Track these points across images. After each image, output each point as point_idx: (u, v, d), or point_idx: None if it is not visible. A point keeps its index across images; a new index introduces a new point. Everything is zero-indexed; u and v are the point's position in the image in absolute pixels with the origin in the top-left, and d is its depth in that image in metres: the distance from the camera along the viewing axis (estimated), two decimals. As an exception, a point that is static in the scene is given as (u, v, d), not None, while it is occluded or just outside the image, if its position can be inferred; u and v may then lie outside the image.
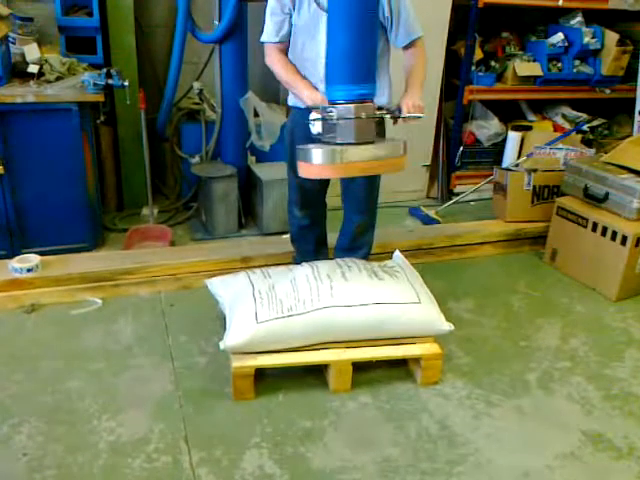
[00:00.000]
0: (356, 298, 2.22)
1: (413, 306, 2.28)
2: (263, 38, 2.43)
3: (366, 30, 2.02)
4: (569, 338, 2.75)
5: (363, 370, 2.34)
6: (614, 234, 3.04)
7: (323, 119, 2.08)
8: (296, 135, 2.48)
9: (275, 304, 2.19)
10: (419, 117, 2.21)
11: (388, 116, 2.20)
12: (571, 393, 2.38)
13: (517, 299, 3.06)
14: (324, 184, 2.60)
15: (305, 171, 2.08)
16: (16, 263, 2.68)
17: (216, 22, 3.30)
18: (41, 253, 2.81)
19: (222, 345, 2.14)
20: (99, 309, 2.71)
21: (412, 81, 2.35)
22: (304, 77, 2.33)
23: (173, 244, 3.30)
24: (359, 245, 2.68)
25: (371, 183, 2.50)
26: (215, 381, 2.30)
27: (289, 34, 2.37)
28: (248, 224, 3.59)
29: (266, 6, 2.38)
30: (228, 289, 2.42)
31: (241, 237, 3.48)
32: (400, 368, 2.42)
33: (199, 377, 2.32)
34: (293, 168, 2.49)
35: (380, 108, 2.18)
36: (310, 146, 2.07)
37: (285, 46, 2.41)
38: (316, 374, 2.33)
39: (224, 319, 2.35)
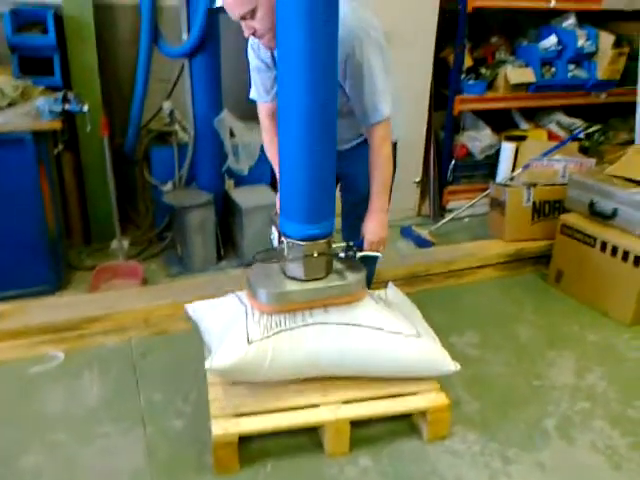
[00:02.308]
0: (351, 317, 2.00)
1: (412, 339, 2.03)
2: (251, 95, 2.15)
3: (323, 160, 1.80)
4: (585, 373, 2.51)
5: (361, 426, 2.07)
6: (625, 254, 2.80)
7: (278, 240, 1.98)
8: None
9: (265, 320, 1.96)
10: (379, 257, 2.13)
11: (343, 254, 2.03)
12: (595, 441, 2.13)
13: (524, 329, 2.81)
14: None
15: (251, 302, 2.00)
16: (-35, 316, 2.38)
17: (185, 37, 3.02)
18: (-5, 300, 2.51)
19: (208, 365, 1.89)
20: (61, 364, 2.41)
21: (372, 197, 2.06)
22: None
23: (145, 281, 3.00)
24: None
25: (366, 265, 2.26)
26: (193, 448, 2.01)
27: None
28: (228, 255, 3.31)
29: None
30: (214, 312, 2.16)
31: (220, 270, 3.20)
32: (403, 421, 2.15)
33: (175, 445, 2.03)
34: None
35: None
36: (254, 278, 1.98)
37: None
38: (309, 433, 2.05)
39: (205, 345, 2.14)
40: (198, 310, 2.22)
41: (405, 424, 2.15)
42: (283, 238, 1.92)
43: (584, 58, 3.98)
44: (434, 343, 2.11)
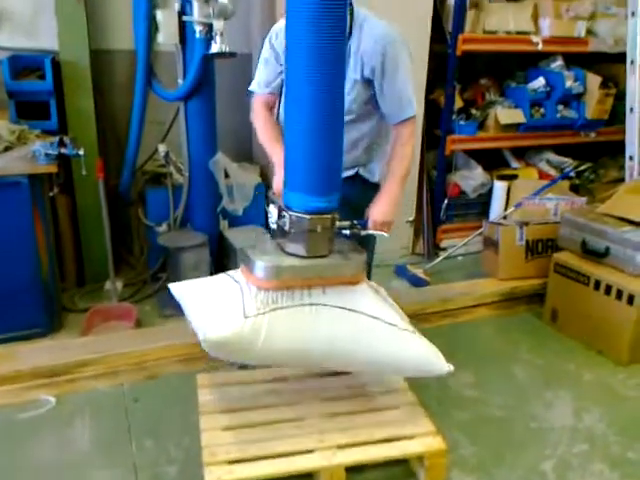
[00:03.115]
0: (349, 302, 1.90)
1: (407, 334, 1.94)
2: (252, 86, 2.21)
3: (331, 131, 1.74)
4: (582, 414, 2.48)
5: (357, 471, 2.03)
6: (619, 292, 2.81)
7: (278, 216, 1.87)
8: None
9: (262, 295, 1.85)
10: (385, 236, 2.06)
11: (347, 232, 1.95)
12: (595, 485, 2.10)
13: (520, 369, 2.79)
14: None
15: (246, 277, 1.89)
16: (-45, 361, 2.35)
17: (180, 81, 3.08)
18: (-13, 344, 2.48)
19: (201, 336, 1.76)
20: (52, 409, 2.37)
21: (388, 181, 2.09)
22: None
23: (139, 323, 2.98)
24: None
25: (365, 249, 2.25)
26: (186, 497, 1.97)
27: (281, 87, 2.13)
28: (222, 295, 3.29)
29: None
30: (203, 291, 2.03)
31: (215, 310, 3.17)
32: (400, 466, 2.11)
33: (167, 493, 2.00)
34: None
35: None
36: (251, 252, 1.87)
37: (275, 98, 2.18)
38: (304, 478, 2.01)
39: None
40: (185, 289, 2.07)
41: (402, 469, 2.11)
42: (285, 212, 1.82)
43: (572, 99, 4.06)
44: (428, 343, 2.01)
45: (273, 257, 1.84)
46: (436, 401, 2.47)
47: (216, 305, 1.87)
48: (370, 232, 2.01)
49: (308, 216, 1.79)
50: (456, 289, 3.27)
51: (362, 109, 2.10)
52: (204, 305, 1.93)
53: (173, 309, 3.13)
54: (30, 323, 2.79)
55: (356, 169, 2.20)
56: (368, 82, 2.04)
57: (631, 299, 2.75)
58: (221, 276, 2.05)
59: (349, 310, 1.89)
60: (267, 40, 2.14)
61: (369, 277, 2.42)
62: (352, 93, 2.04)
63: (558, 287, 3.11)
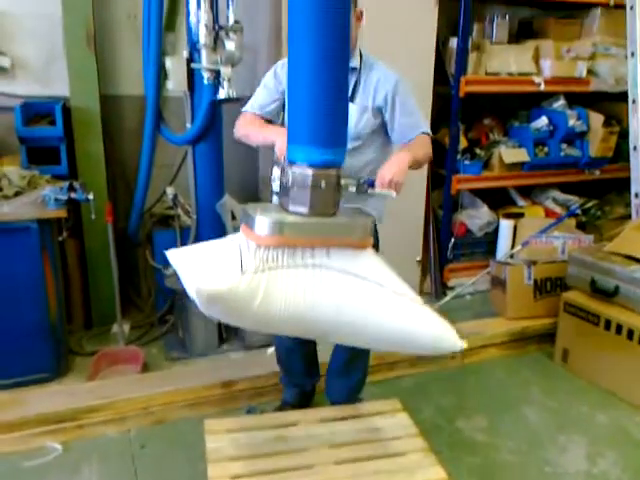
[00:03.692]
0: (355, 267, 1.73)
1: (417, 306, 1.77)
2: (245, 107, 2.26)
3: (337, 78, 1.64)
4: (597, 458, 2.43)
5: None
6: (630, 332, 2.78)
7: (281, 175, 1.77)
8: None
9: (261, 253, 1.68)
10: (392, 196, 1.91)
11: (353, 189, 1.86)
12: (612, 535, 2.04)
13: (533, 411, 2.75)
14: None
15: (246, 234, 1.73)
16: (-39, 408, 2.33)
17: (188, 125, 3.13)
18: (-6, 389, 2.47)
19: (194, 287, 1.56)
20: (59, 457, 2.33)
21: (402, 150, 2.06)
22: None
23: (146, 366, 2.96)
24: (353, 370, 2.38)
25: None
26: None
27: (276, 114, 2.18)
28: (230, 337, 3.27)
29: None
30: (200, 254, 1.82)
31: (223, 353, 3.16)
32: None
33: None
34: None
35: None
36: (252, 210, 1.73)
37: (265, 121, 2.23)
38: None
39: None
40: (181, 253, 1.86)
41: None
42: (288, 169, 1.72)
43: (576, 137, 4.10)
44: (440, 317, 1.84)
45: (274, 214, 1.71)
46: (447, 446, 2.43)
47: (212, 262, 1.69)
48: (377, 191, 1.90)
49: (311, 170, 1.68)
50: (465, 329, 3.24)
51: (370, 136, 2.17)
52: (199, 263, 1.73)
53: (180, 352, 3.14)
54: (37, 368, 2.78)
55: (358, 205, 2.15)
56: (379, 111, 2.14)
57: (643, 339, 2.72)
58: (221, 240, 1.87)
59: (355, 275, 1.72)
60: (273, 68, 2.23)
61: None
62: (362, 120, 2.12)
63: (568, 327, 3.08)
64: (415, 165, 2.04)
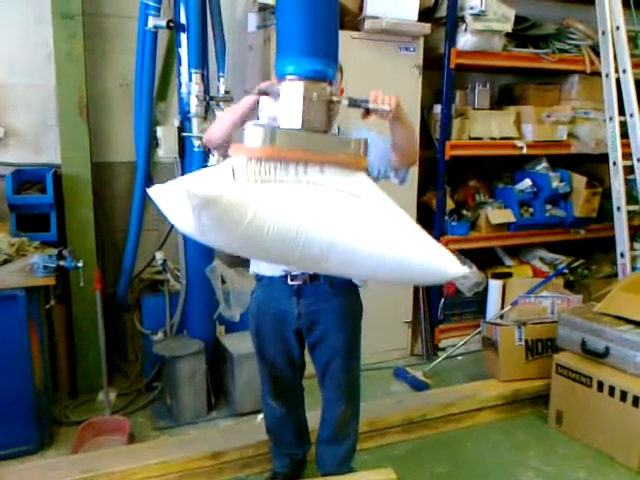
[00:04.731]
0: (350, 186, 1.64)
1: (417, 230, 1.69)
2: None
3: None
4: (597, 527, 2.37)
5: None
6: (623, 394, 2.75)
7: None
8: (261, 324, 2.23)
9: (254, 165, 1.59)
10: (386, 110, 1.80)
11: (346, 102, 1.76)
12: None
13: (529, 477, 2.69)
14: (298, 370, 2.31)
15: (234, 150, 1.65)
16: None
17: (178, 191, 3.16)
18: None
19: (184, 191, 1.41)
20: (39, 537, 2.24)
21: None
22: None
23: (132, 437, 2.88)
24: (343, 437, 2.33)
25: (350, 368, 2.22)
26: None
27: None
28: (219, 404, 3.21)
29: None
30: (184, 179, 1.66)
31: (211, 421, 3.08)
32: None
33: None
34: (262, 358, 2.24)
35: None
36: (245, 127, 1.70)
37: None
38: None
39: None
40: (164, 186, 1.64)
41: None
42: (277, 86, 1.67)
43: (560, 198, 4.18)
44: (437, 243, 1.75)
45: (266, 126, 1.66)
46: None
47: (202, 176, 1.58)
48: (372, 106, 1.79)
49: (303, 82, 1.62)
50: (458, 392, 3.20)
51: None
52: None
53: (167, 421, 3.07)
54: (19, 440, 2.69)
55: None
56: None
57: (636, 401, 2.69)
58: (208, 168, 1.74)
59: (352, 195, 1.64)
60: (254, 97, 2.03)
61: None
62: None
63: (561, 389, 3.05)
64: (405, 129, 1.94)
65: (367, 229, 1.61)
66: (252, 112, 1.90)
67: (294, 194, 1.58)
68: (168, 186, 1.51)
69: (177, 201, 1.44)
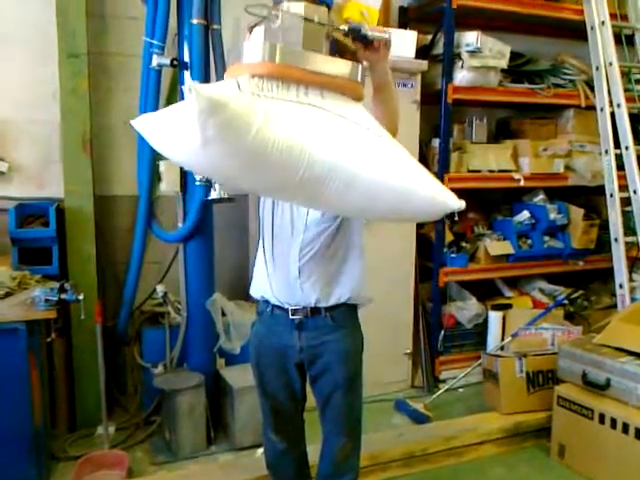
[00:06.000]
0: (349, 113, 1.64)
1: (414, 161, 1.68)
2: None
3: None
4: None
5: None
6: (625, 426, 2.74)
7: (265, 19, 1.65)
8: (262, 358, 2.22)
9: (256, 81, 1.55)
10: (385, 37, 1.76)
11: (345, 27, 1.74)
12: None
13: (532, 513, 2.66)
14: (299, 403, 2.30)
15: (234, 69, 1.62)
16: None
17: (180, 224, 3.19)
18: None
19: (193, 92, 1.34)
20: None
21: None
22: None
23: (130, 471, 2.85)
24: (344, 471, 2.29)
25: (351, 402, 2.20)
26: None
27: None
28: (218, 438, 3.18)
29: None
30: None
31: (211, 455, 3.06)
32: None
33: None
34: (263, 392, 2.23)
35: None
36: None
37: None
38: None
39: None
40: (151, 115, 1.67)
41: None
42: (275, 9, 1.64)
43: (557, 230, 4.22)
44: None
45: (266, 41, 1.62)
46: None
47: (207, 85, 1.52)
48: (370, 33, 1.74)
49: (303, 2, 1.62)
50: (459, 425, 3.19)
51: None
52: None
53: (166, 455, 3.05)
54: (18, 476, 2.66)
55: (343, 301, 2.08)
56: None
57: (639, 433, 2.68)
58: None
59: (351, 121, 1.62)
60: None
61: None
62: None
63: (563, 421, 3.03)
64: (389, 79, 1.89)
65: (369, 156, 1.59)
66: None
67: (298, 113, 1.56)
68: (171, 106, 1.51)
69: (182, 109, 1.41)
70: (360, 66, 1.71)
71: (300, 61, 1.60)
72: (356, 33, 1.74)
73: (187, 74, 3.01)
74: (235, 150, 1.48)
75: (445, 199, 1.65)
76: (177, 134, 1.49)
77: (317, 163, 1.53)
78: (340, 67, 1.68)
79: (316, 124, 1.56)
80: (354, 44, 1.78)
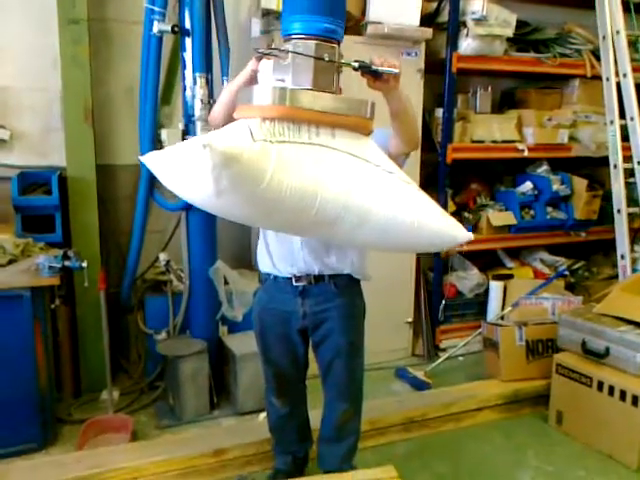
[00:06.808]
0: (360, 151, 1.68)
1: (423, 195, 1.71)
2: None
3: None
4: (596, 525, 2.38)
5: None
6: (623, 394, 2.78)
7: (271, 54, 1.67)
8: (265, 325, 2.26)
9: (268, 125, 1.59)
10: (395, 72, 1.75)
11: (355, 64, 1.73)
12: None
13: (529, 477, 2.70)
14: (302, 369, 2.33)
15: (243, 110, 1.64)
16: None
17: (182, 193, 3.19)
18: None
19: (204, 144, 1.39)
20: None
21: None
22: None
23: (135, 435, 2.91)
24: (344, 435, 2.35)
25: (353, 368, 2.23)
26: None
27: None
28: (221, 403, 3.24)
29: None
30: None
31: (214, 419, 3.11)
32: None
33: None
34: (266, 358, 2.26)
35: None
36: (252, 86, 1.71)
37: None
38: None
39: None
40: (162, 154, 1.67)
41: None
42: (285, 45, 1.65)
43: (560, 201, 4.21)
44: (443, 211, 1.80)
45: (275, 85, 1.65)
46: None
47: (219, 134, 1.56)
48: (379, 68, 1.75)
49: (314, 40, 1.62)
50: (459, 392, 3.23)
51: None
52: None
53: (170, 419, 3.10)
54: (24, 438, 2.73)
55: (347, 270, 2.13)
56: None
57: (635, 400, 2.71)
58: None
59: (362, 160, 1.66)
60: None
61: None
62: None
63: (561, 389, 3.07)
64: (408, 102, 1.88)
65: (380, 193, 1.63)
66: (252, 82, 1.86)
67: (310, 155, 1.59)
68: (182, 146, 1.53)
69: (195, 160, 1.43)
70: (370, 102, 1.73)
71: (310, 101, 1.61)
72: (366, 69, 1.75)
73: (188, 41, 2.98)
74: (248, 198, 1.53)
75: (454, 232, 1.72)
76: (190, 180, 1.51)
77: (329, 204, 1.59)
78: (350, 105, 1.69)
79: (328, 165, 1.61)
80: (364, 76, 1.79)
